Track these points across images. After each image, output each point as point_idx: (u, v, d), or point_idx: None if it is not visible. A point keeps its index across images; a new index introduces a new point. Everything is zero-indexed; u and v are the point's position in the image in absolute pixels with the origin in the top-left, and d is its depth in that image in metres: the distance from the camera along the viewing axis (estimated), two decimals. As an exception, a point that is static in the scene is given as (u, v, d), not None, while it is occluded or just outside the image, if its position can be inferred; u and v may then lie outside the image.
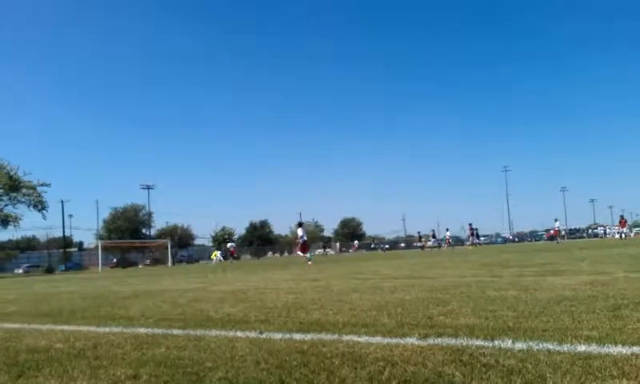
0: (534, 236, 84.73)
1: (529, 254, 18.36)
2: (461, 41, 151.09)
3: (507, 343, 3.16)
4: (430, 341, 3.37)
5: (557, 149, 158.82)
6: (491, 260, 15.26)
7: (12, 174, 49.41)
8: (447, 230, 48.46)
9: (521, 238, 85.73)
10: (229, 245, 57.31)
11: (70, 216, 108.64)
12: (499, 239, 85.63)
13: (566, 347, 2.99)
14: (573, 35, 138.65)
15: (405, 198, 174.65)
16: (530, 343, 3.13)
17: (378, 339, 3.52)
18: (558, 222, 45.55)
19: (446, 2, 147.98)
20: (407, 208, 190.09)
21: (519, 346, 3.08)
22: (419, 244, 54.92)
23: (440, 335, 3.52)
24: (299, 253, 23.67)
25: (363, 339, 3.55)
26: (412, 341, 3.40)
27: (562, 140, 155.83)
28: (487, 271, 9.88)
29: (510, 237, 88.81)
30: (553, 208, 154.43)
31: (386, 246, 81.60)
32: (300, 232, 23.63)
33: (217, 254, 52.94)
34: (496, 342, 3.20)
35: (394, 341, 3.42)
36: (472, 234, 47.51)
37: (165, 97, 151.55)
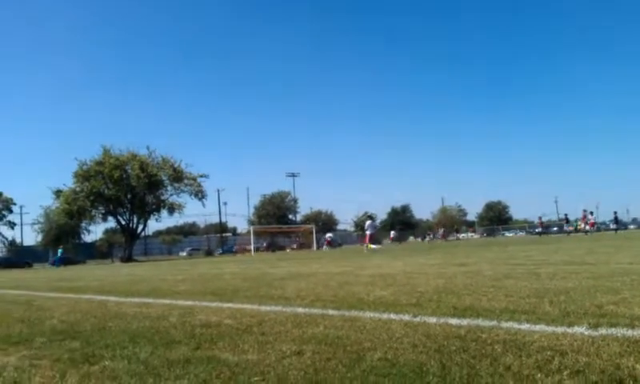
0: None
1: None
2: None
3: (697, 336, 2.82)
4: (602, 331, 3.11)
5: None
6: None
7: (176, 166, 54.75)
8: (592, 213, 44.00)
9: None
10: (327, 235, 57.89)
11: (225, 203, 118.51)
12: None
13: None
14: None
15: (558, 178, 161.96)
16: None
17: (541, 327, 3.34)
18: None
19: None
20: (560, 189, 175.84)
21: None
22: (539, 229, 52.13)
23: (613, 325, 3.24)
24: (367, 244, 24.95)
25: (524, 327, 3.38)
26: (581, 330, 3.17)
27: None
28: (661, 257, 8.85)
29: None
30: None
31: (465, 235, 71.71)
32: (367, 224, 25.51)
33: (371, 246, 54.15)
34: (683, 335, 2.87)
35: (560, 330, 3.22)
36: (584, 220, 43.90)
37: (306, 88, 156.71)
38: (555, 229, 46.67)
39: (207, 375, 2.75)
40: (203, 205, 59.84)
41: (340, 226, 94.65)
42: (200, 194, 56.30)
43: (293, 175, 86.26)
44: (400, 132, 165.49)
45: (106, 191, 52.80)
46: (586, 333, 3.10)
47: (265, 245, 73.84)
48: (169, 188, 56.36)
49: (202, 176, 56.53)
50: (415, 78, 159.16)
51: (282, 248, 71.21)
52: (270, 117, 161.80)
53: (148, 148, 55.16)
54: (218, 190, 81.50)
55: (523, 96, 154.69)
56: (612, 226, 47.25)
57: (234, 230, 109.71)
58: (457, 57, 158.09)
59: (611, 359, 2.51)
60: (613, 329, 3.15)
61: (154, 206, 56.35)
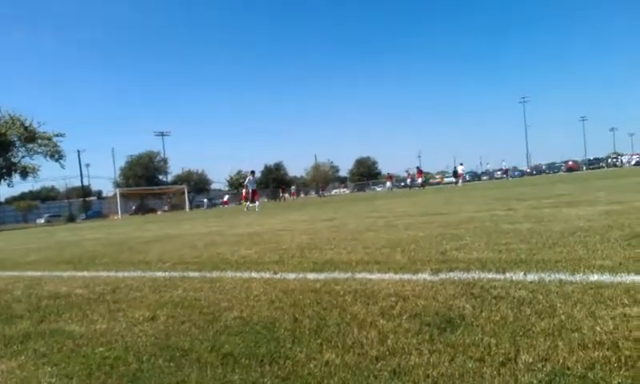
0: (552, 168, 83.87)
1: (546, 187, 18.23)
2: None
3: (519, 275, 3.17)
4: (442, 275, 3.39)
5: (576, 76, 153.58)
6: (508, 193, 15.19)
7: (27, 125, 49.70)
8: (461, 164, 47.93)
9: (538, 170, 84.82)
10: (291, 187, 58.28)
11: (87, 165, 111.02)
12: (516, 173, 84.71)
13: (578, 277, 2.99)
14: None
15: (420, 134, 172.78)
16: (542, 274, 3.13)
17: (390, 276, 3.55)
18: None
19: None
20: (423, 144, 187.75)
21: (531, 277, 3.09)
22: (389, 184, 54.83)
23: (452, 270, 3.54)
24: (248, 201, 25.33)
25: (375, 276, 3.58)
26: (424, 276, 3.42)
27: (581, 66, 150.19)
28: (502, 205, 9.84)
29: (528, 170, 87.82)
30: (573, 139, 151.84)
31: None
32: (247, 180, 25.77)
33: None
34: (507, 275, 3.21)
35: (406, 277, 3.45)
36: (410, 176, 47.98)
37: (173, 43, 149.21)
38: (420, 181, 49.08)
39: (48, 349, 2.57)
40: (62, 166, 54.72)
41: (214, 186, 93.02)
42: (57, 155, 51.74)
43: (162, 134, 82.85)
44: (271, 90, 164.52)
45: (-57, 154, 46.70)
46: (428, 278, 3.35)
47: (134, 208, 70.54)
48: (20, 149, 51.13)
49: (57, 135, 51.85)
50: (285, 37, 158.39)
51: (153, 210, 68.52)
52: (137, 75, 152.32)
53: (-8, 105, 49.35)
54: (79, 151, 75.53)
55: (389, 55, 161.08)
56: (453, 180, 51.28)
57: (99, 194, 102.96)
58: (327, 16, 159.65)
59: (445, 301, 2.74)
60: (451, 273, 3.44)
61: (3, 170, 50.90)
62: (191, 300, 3.38)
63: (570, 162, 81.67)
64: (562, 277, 3.03)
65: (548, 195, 12.03)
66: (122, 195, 61.61)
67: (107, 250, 7.76)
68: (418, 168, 47.35)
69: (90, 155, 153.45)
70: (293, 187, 74.96)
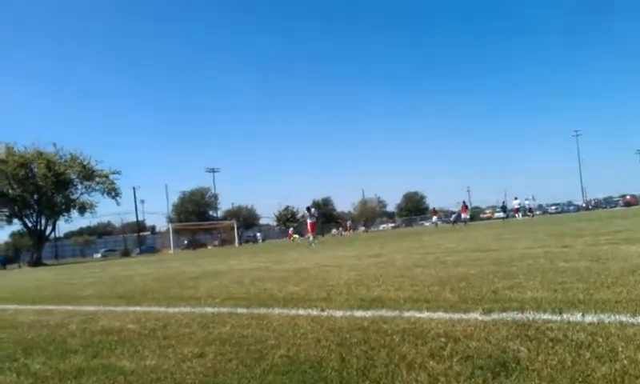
0: (609, 203, 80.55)
1: (602, 222, 17.49)
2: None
3: (577, 316, 3.03)
4: (495, 316, 3.28)
5: (629, 109, 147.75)
6: (562, 229, 14.66)
7: (85, 163, 52.06)
8: (516, 198, 46.66)
9: (594, 205, 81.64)
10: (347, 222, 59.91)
11: (142, 201, 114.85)
12: (571, 207, 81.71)
13: (640, 319, 2.83)
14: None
15: (470, 168, 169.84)
16: (602, 316, 2.98)
17: (439, 315, 3.46)
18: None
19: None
20: (472, 178, 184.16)
21: (589, 318, 2.95)
22: (435, 219, 52.19)
23: (505, 310, 3.42)
24: (312, 235, 25.30)
25: (424, 315, 3.50)
26: (475, 316, 3.32)
27: (633, 100, 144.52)
28: (557, 241, 9.49)
29: (584, 205, 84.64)
30: (629, 173, 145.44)
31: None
32: (307, 214, 25.85)
33: (295, 237, 55.10)
34: (565, 316, 3.07)
35: (457, 316, 3.36)
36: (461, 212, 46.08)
37: (221, 80, 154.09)
38: (464, 217, 47.41)
39: (100, 385, 2.62)
40: (117, 203, 56.94)
41: (262, 221, 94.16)
42: (113, 192, 53.82)
43: (213, 171, 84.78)
44: (318, 125, 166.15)
45: (10, 191, 49.35)
46: (480, 318, 3.25)
47: (185, 242, 72.09)
48: (79, 186, 53.54)
49: (114, 173, 54.08)
50: (330, 71, 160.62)
51: (204, 245, 69.76)
52: (187, 111, 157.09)
53: (55, 145, 52.06)
54: (134, 188, 78.51)
55: (433, 91, 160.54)
56: (502, 215, 49.63)
57: (152, 229, 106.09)
58: (364, 51, 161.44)
59: (499, 343, 2.64)
60: (504, 313, 3.32)
61: (63, 206, 53.28)
62: (239, 337, 3.39)
63: (628, 197, 77.95)
64: (623, 318, 2.88)
65: (605, 231, 11.54)
66: (175, 230, 63.17)
67: (158, 285, 7.93)
68: (463, 203, 46.30)
69: (145, 191, 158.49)
70: (348, 222, 74.53)
